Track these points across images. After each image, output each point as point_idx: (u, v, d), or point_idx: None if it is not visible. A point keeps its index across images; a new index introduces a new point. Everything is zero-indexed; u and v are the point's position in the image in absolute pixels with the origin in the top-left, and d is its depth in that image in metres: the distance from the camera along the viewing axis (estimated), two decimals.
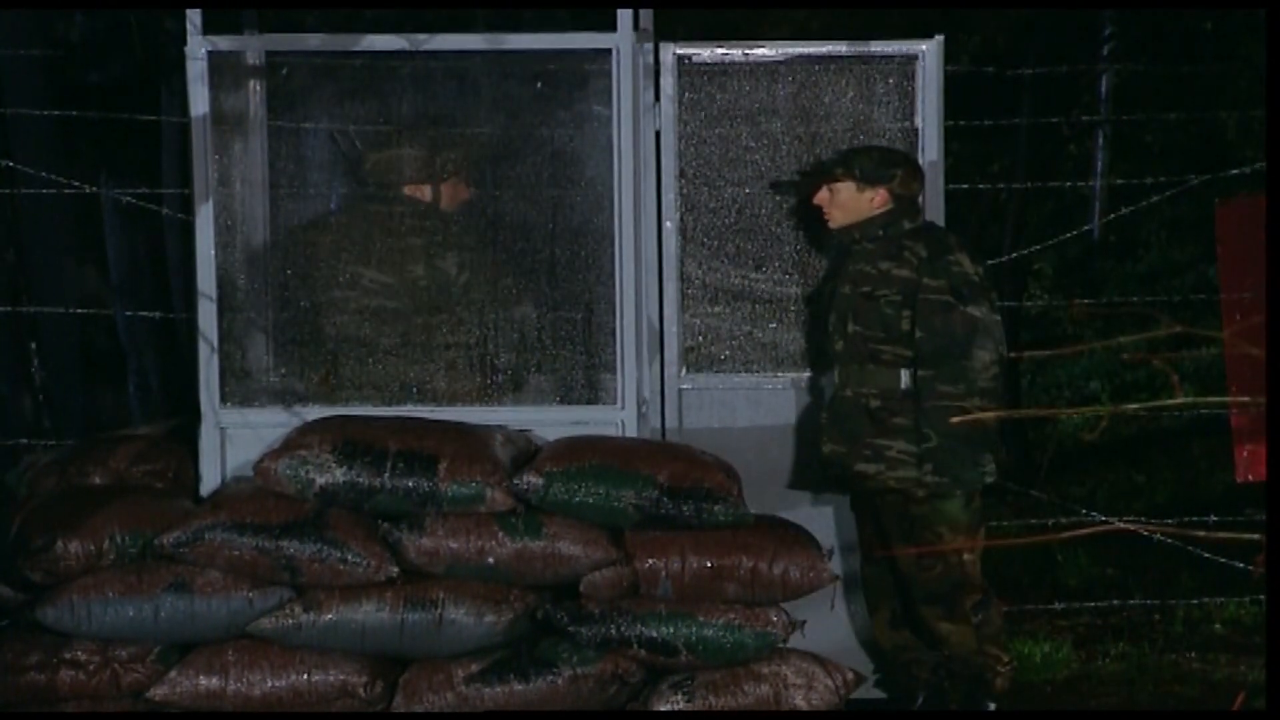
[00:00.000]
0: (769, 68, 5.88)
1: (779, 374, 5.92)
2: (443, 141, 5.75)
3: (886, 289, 5.48)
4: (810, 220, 5.89)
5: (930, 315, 5.42)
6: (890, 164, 5.56)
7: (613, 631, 5.23)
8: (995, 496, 9.22)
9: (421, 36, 5.62)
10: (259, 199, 5.87)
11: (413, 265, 5.71)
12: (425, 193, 5.75)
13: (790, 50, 5.90)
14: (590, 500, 5.25)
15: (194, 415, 5.68)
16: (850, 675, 5.40)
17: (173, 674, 5.24)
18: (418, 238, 5.72)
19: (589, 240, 5.73)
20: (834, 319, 5.58)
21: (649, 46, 5.73)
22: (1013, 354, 4.49)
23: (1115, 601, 7.50)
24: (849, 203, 5.57)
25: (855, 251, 5.58)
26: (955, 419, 5.32)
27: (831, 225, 5.62)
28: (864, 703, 5.78)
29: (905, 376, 5.47)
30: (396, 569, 5.23)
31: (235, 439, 5.62)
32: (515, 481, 5.26)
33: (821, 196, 5.61)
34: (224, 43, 5.69)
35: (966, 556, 5.51)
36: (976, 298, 5.45)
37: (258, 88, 5.90)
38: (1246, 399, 4.73)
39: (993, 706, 5.57)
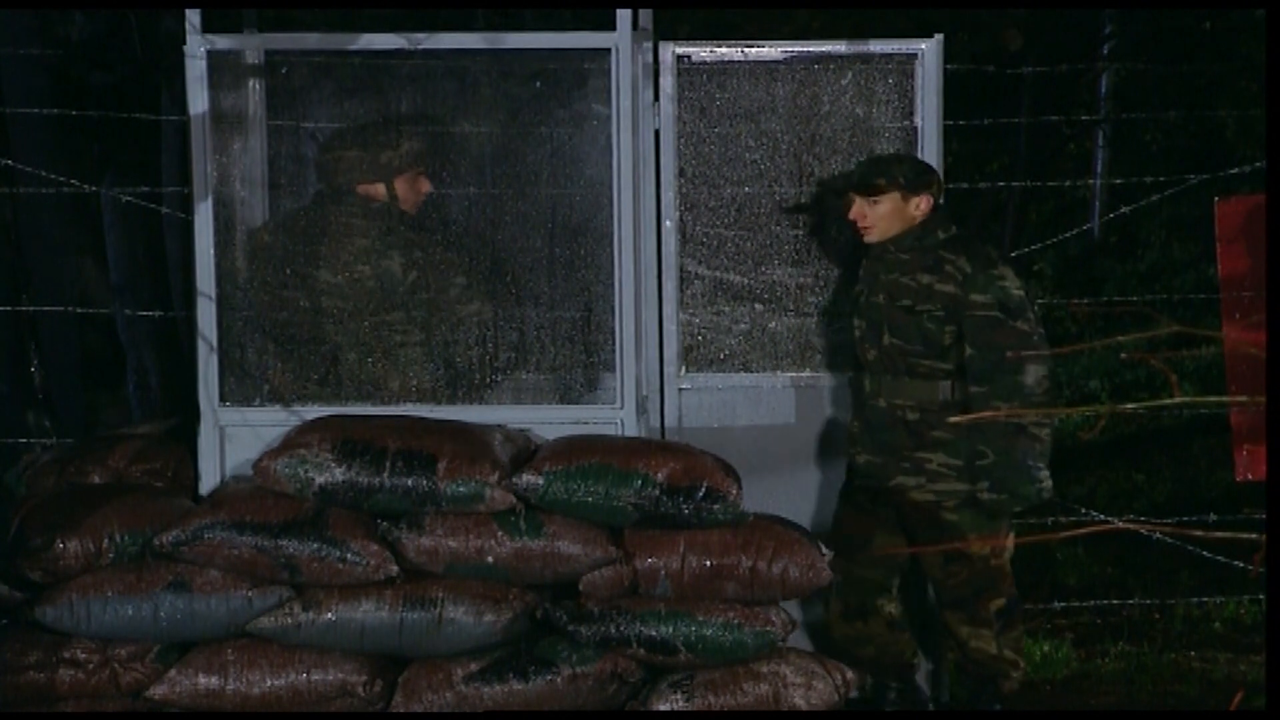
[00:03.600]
0: (768, 67, 5.88)
1: (778, 373, 5.92)
2: (393, 138, 5.71)
3: (929, 304, 5.43)
4: (808, 220, 5.89)
5: (980, 332, 5.37)
6: (927, 170, 5.54)
7: (612, 630, 5.23)
8: None
9: (420, 35, 5.62)
10: (258, 198, 5.87)
11: (362, 265, 5.68)
12: (379, 191, 5.72)
13: (789, 49, 5.90)
14: (589, 499, 5.25)
15: (193, 414, 5.68)
16: (850, 675, 5.40)
17: (172, 673, 5.24)
18: (365, 238, 5.69)
19: (588, 239, 5.73)
20: (863, 327, 5.55)
21: (648, 46, 5.73)
22: (1011, 353, 4.49)
23: (1115, 601, 7.50)
24: (894, 214, 5.49)
25: (886, 260, 5.52)
26: (953, 419, 5.35)
27: (871, 239, 5.53)
28: (864, 702, 5.79)
29: (944, 389, 5.45)
30: (396, 568, 5.23)
31: (234, 438, 5.62)
32: (514, 480, 5.25)
33: (858, 211, 5.52)
34: (223, 42, 5.68)
35: (994, 562, 5.49)
36: (1024, 313, 5.42)
37: (257, 87, 5.90)
38: (1246, 398, 4.73)
39: (998, 708, 5.58)
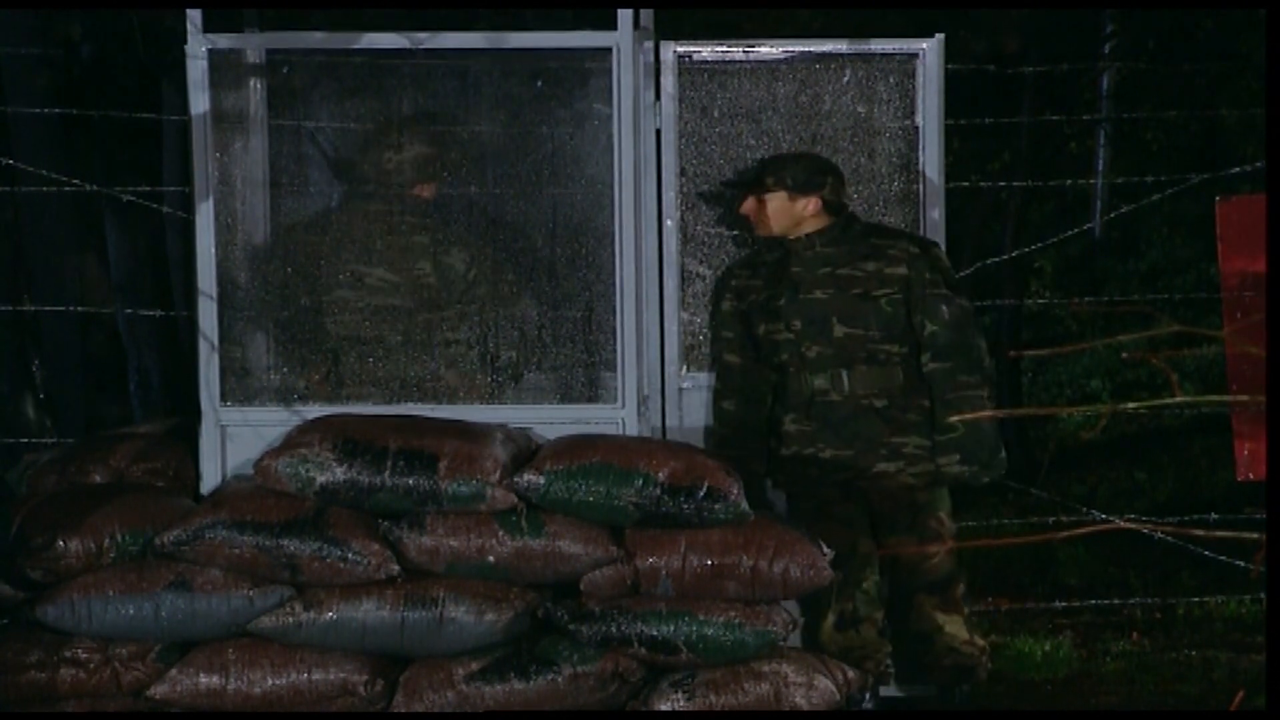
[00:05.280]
0: (770, 66, 5.88)
1: None
2: (425, 139, 5.73)
3: (886, 288, 5.54)
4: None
5: (937, 309, 5.54)
6: (820, 171, 5.63)
7: (613, 630, 5.23)
8: (996, 495, 9.23)
9: (422, 35, 5.62)
10: (260, 197, 5.87)
11: (423, 262, 5.71)
12: (430, 190, 5.76)
13: (791, 49, 5.90)
14: (590, 499, 5.25)
15: (194, 413, 5.68)
16: (851, 674, 5.40)
17: (173, 672, 5.24)
18: (423, 235, 5.72)
19: (589, 239, 5.73)
20: (797, 326, 5.59)
21: (649, 45, 5.73)
22: (1013, 352, 4.52)
23: (1116, 600, 7.51)
24: (779, 212, 5.62)
25: (808, 257, 5.61)
26: (954, 418, 5.40)
27: (760, 233, 5.68)
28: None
29: (899, 373, 5.55)
30: (397, 567, 5.23)
31: (236, 437, 5.62)
32: (516, 480, 5.25)
33: (749, 206, 5.66)
34: (224, 41, 5.68)
35: (954, 544, 5.60)
36: (961, 289, 5.63)
37: (258, 86, 5.90)
38: (1246, 397, 4.73)
39: (968, 705, 5.59)
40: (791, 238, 5.63)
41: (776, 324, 5.62)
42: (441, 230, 5.76)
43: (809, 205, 5.61)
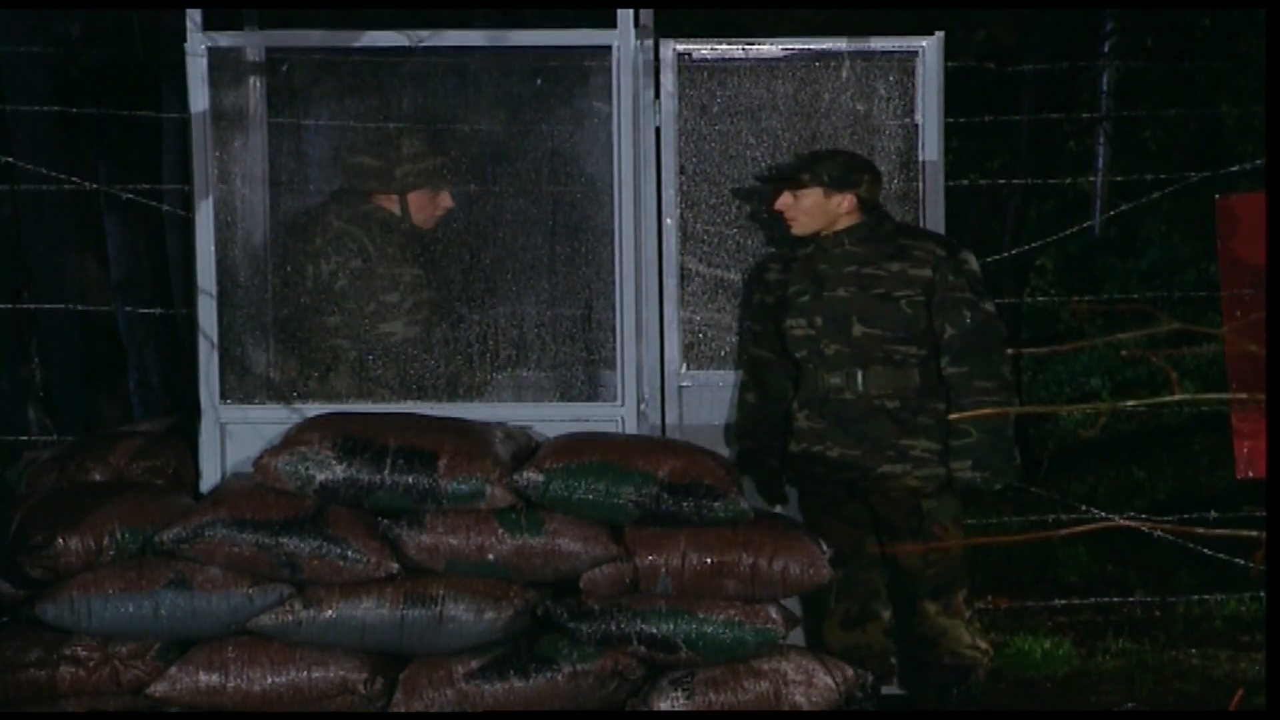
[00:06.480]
0: (769, 64, 5.89)
1: None
2: (416, 150, 5.70)
3: (908, 289, 5.51)
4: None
5: (959, 313, 5.50)
6: (856, 169, 5.59)
7: (613, 628, 5.23)
8: (995, 493, 9.23)
9: (422, 33, 5.62)
10: (259, 195, 5.87)
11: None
12: (393, 203, 5.72)
13: (790, 47, 5.91)
14: (590, 497, 5.25)
15: (194, 411, 5.68)
16: (850, 673, 5.40)
17: (173, 670, 5.24)
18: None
19: (589, 237, 5.73)
20: (818, 323, 5.57)
21: (649, 43, 5.73)
22: (1012, 350, 4.53)
23: (1116, 598, 7.51)
24: (815, 208, 5.58)
25: (835, 254, 5.59)
26: (968, 414, 5.39)
27: (796, 231, 5.62)
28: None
29: (916, 375, 5.52)
30: (396, 565, 5.23)
31: (235, 435, 5.62)
32: (515, 478, 5.25)
33: (784, 201, 5.61)
34: (224, 39, 5.68)
35: (959, 549, 5.58)
36: (987, 294, 5.58)
37: (258, 84, 5.90)
38: (1246, 395, 4.74)
39: (955, 704, 5.59)
40: (824, 234, 5.62)
41: (799, 319, 5.61)
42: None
43: (844, 202, 5.57)
